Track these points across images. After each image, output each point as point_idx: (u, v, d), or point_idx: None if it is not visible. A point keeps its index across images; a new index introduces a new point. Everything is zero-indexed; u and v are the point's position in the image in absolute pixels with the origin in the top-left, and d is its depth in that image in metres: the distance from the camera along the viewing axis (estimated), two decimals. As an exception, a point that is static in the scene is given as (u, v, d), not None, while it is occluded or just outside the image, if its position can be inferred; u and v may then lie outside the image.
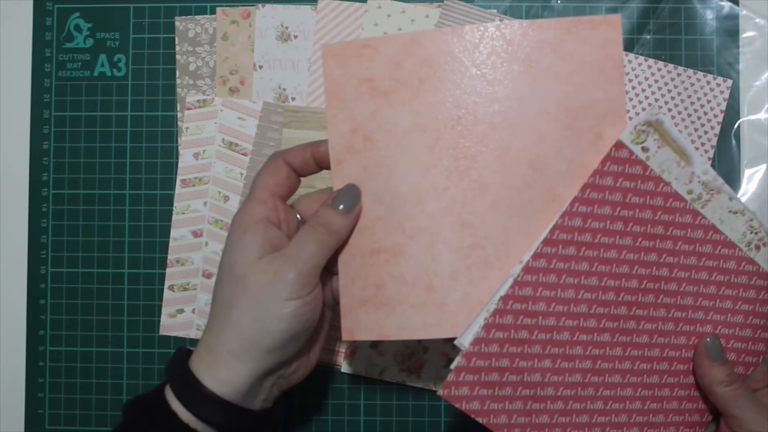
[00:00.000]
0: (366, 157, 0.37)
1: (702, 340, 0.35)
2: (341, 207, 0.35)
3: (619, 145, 0.34)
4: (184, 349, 0.37)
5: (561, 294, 0.34)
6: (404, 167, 0.36)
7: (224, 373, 0.34)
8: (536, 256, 0.34)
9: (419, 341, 0.47)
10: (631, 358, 0.35)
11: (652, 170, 0.34)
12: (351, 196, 0.36)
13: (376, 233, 0.37)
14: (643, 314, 0.35)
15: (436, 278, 0.36)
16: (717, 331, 0.35)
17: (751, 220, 0.35)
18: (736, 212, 0.35)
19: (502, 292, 0.34)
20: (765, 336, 0.36)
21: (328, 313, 0.39)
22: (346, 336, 0.37)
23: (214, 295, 0.36)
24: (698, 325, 0.35)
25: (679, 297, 0.35)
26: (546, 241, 0.34)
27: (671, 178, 0.34)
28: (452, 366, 0.33)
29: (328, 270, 0.37)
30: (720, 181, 0.35)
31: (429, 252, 0.36)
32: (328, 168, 0.37)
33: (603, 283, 0.34)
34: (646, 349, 0.35)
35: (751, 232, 0.36)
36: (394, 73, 0.36)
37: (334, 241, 0.35)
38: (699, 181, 0.35)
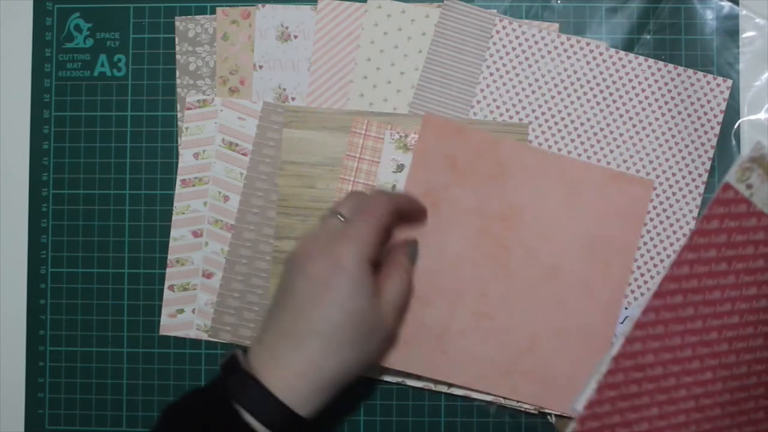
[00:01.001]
0: (429, 216, 0.45)
1: None
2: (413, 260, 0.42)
3: (726, 186, 0.34)
4: (247, 373, 0.36)
5: (668, 343, 0.35)
6: (455, 237, 0.45)
7: (316, 401, 0.36)
8: (646, 310, 0.34)
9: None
10: (730, 389, 0.35)
11: (754, 206, 0.34)
12: (415, 252, 0.43)
13: (416, 281, 0.44)
14: (742, 347, 0.35)
15: (448, 330, 0.45)
16: None
17: None
18: None
19: (614, 352, 0.35)
20: None
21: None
22: None
23: (311, 317, 0.36)
24: None
25: None
26: (656, 294, 0.34)
27: None
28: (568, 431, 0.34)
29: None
30: None
31: (450, 309, 0.45)
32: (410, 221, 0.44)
33: (706, 325, 0.35)
34: (744, 378, 0.35)
35: None
36: (474, 160, 0.45)
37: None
38: None
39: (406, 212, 0.42)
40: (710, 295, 0.34)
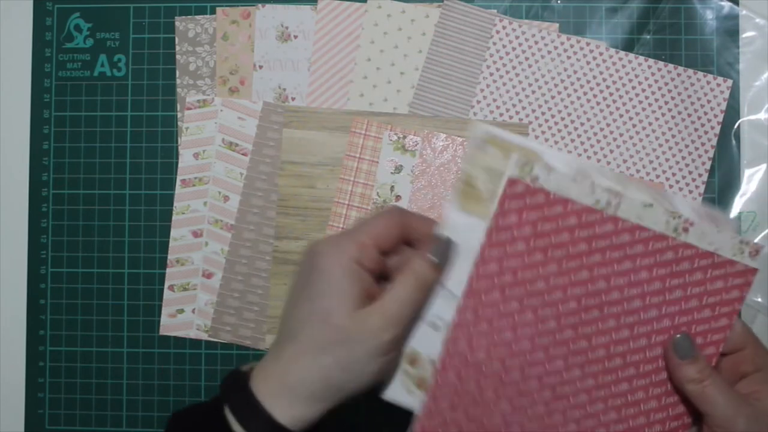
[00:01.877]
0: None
1: (671, 339, 0.35)
2: (436, 260, 0.35)
3: (511, 182, 0.34)
4: (240, 372, 0.36)
5: (498, 338, 0.34)
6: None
7: (301, 412, 0.34)
8: (460, 310, 0.34)
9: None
10: (593, 374, 0.35)
11: (554, 194, 0.34)
12: (449, 252, 0.35)
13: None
14: (591, 331, 0.35)
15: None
16: (675, 322, 0.35)
17: (668, 206, 0.34)
18: (649, 205, 0.34)
19: (435, 356, 0.34)
20: (725, 310, 0.35)
21: None
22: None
23: (294, 329, 0.34)
24: (654, 323, 0.35)
25: (625, 303, 0.35)
26: (466, 294, 0.34)
27: (574, 195, 0.34)
28: None
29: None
30: (620, 178, 0.34)
31: None
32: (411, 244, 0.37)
33: (540, 314, 0.34)
34: (606, 361, 0.35)
35: (673, 218, 0.35)
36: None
37: (427, 297, 0.35)
38: (602, 189, 0.34)
39: (418, 229, 0.37)
40: (533, 286, 0.34)
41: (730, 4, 0.47)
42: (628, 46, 0.48)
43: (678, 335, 0.35)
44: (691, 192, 0.46)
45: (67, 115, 0.49)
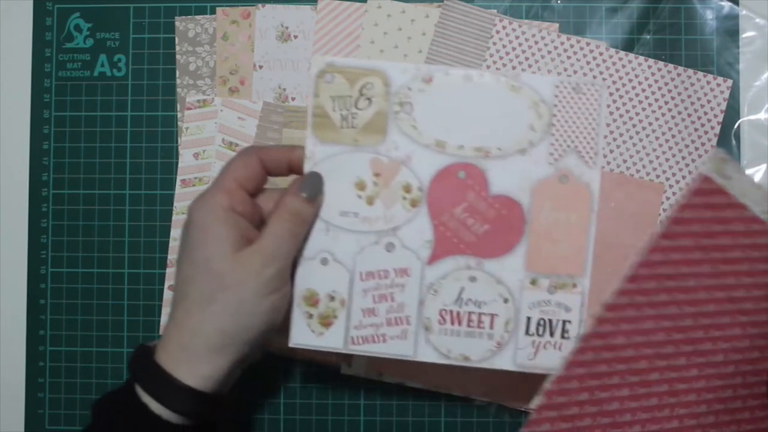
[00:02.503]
0: None
1: None
2: (305, 194, 0.36)
3: (704, 178, 0.34)
4: (145, 346, 0.36)
5: (640, 326, 0.35)
6: None
7: (203, 369, 0.34)
8: (619, 293, 0.35)
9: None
10: (707, 376, 0.36)
11: (733, 197, 0.35)
12: (317, 184, 0.37)
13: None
14: (718, 335, 0.35)
15: None
16: None
17: None
18: None
19: (582, 330, 0.35)
20: None
21: None
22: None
23: (183, 290, 0.35)
24: None
25: (754, 314, 0.36)
26: (630, 278, 0.35)
27: (749, 202, 0.35)
28: (533, 405, 0.34)
29: None
30: None
31: None
32: (300, 173, 0.38)
33: (681, 311, 0.35)
34: (721, 366, 0.36)
35: None
36: None
37: (304, 230, 0.37)
38: None
39: (283, 163, 0.38)
40: (684, 282, 0.35)
41: (730, 4, 0.47)
42: (628, 46, 0.48)
43: None
44: (691, 192, 0.46)
45: (67, 115, 0.49)
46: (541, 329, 0.38)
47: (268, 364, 0.47)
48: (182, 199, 0.48)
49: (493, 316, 0.38)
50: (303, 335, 0.38)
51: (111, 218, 0.49)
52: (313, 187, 0.37)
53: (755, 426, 0.37)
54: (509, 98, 0.38)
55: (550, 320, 0.38)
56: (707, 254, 0.35)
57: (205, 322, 0.34)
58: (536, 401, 0.35)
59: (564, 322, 0.38)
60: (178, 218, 0.48)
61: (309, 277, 0.38)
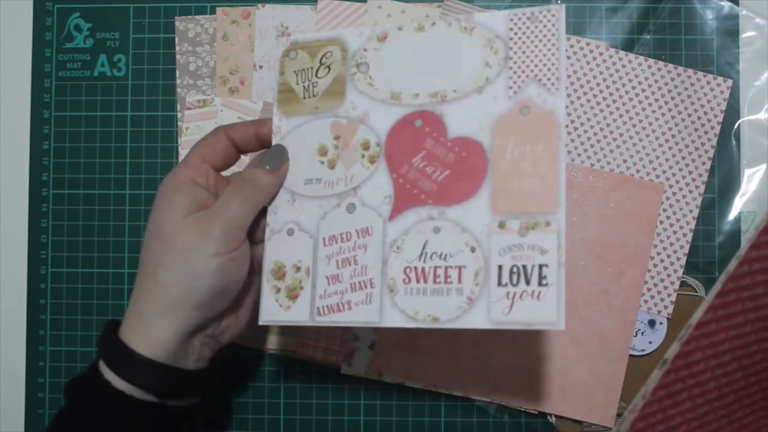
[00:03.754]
0: None
1: None
2: (267, 166, 0.36)
3: None
4: (111, 322, 0.36)
5: (718, 348, 0.34)
6: None
7: (153, 335, 0.34)
8: (708, 309, 0.33)
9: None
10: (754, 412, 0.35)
11: None
12: (278, 156, 0.37)
13: None
14: None
15: (462, 341, 0.44)
16: None
17: None
18: None
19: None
20: None
21: (256, 278, 0.38)
22: None
23: (140, 259, 0.35)
24: None
25: None
26: (718, 294, 0.33)
27: None
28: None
29: (252, 239, 0.37)
30: None
31: None
32: (269, 147, 0.38)
33: (758, 336, 0.34)
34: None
35: None
36: None
37: (260, 198, 0.36)
38: None
39: (251, 137, 0.38)
40: (762, 301, 0.33)
41: (730, 4, 0.47)
42: (628, 46, 0.47)
43: None
44: (691, 192, 0.46)
45: (67, 115, 0.49)
46: (515, 278, 0.33)
47: (269, 364, 0.47)
48: (182, 199, 0.48)
49: (460, 268, 0.34)
50: (271, 311, 0.37)
51: (111, 218, 0.49)
52: (275, 159, 0.37)
53: None
54: (463, 40, 0.36)
55: (525, 266, 0.33)
56: None
57: (153, 286, 0.34)
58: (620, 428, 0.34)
59: (540, 266, 0.33)
60: (178, 218, 0.48)
61: (277, 250, 0.37)
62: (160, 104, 0.49)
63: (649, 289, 0.46)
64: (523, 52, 0.35)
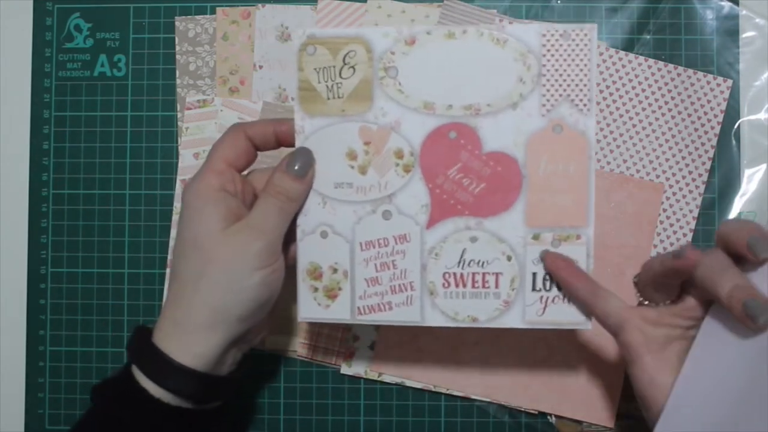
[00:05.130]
0: None
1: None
2: (296, 168, 0.36)
3: None
4: (142, 327, 0.36)
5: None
6: None
7: (196, 346, 0.34)
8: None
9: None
10: None
11: None
12: (305, 159, 0.36)
13: None
14: None
15: (463, 342, 0.40)
16: None
17: None
18: None
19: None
20: None
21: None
22: None
23: (176, 269, 0.35)
24: None
25: None
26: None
27: None
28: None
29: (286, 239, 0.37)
30: None
31: None
32: (289, 146, 0.38)
33: None
34: None
35: None
36: None
37: (294, 207, 0.36)
38: None
39: (270, 136, 0.38)
40: None
41: (730, 4, 0.47)
42: (628, 46, 0.47)
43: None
44: (691, 192, 0.46)
45: (67, 115, 0.49)
46: (547, 284, 0.37)
47: (268, 364, 0.47)
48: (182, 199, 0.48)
49: (497, 274, 0.37)
50: (310, 309, 0.38)
51: (111, 218, 0.49)
52: (303, 163, 0.36)
53: None
54: (495, 52, 0.36)
55: None
56: None
57: (196, 298, 0.34)
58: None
59: None
60: (178, 218, 0.48)
61: (310, 251, 0.38)
62: (160, 104, 0.49)
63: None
64: (556, 70, 0.36)
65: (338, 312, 0.38)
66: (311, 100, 0.37)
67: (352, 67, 0.37)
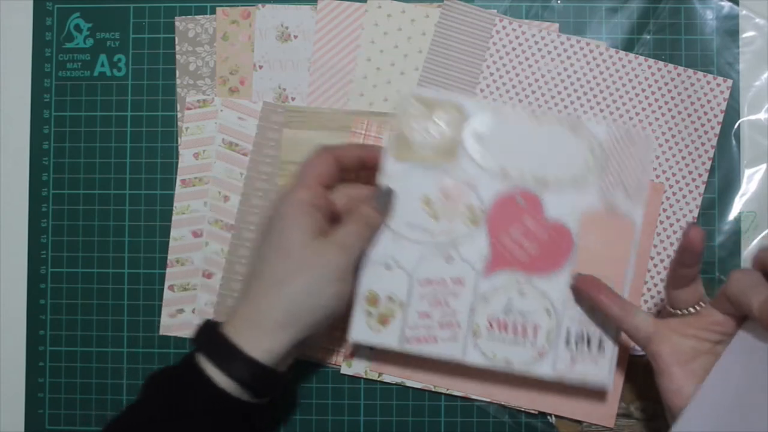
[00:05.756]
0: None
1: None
2: (380, 206, 0.41)
3: None
4: (210, 321, 0.39)
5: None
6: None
7: (268, 343, 0.37)
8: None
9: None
10: None
11: None
12: (388, 199, 0.41)
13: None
14: None
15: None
16: None
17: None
18: None
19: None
20: None
21: None
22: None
23: (259, 269, 0.39)
24: None
25: None
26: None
27: None
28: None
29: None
30: None
31: None
32: (370, 170, 0.42)
33: None
34: None
35: None
36: None
37: (373, 235, 0.41)
38: None
39: (355, 160, 0.42)
40: None
41: (730, 4, 0.47)
42: (628, 46, 0.47)
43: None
44: (691, 192, 0.46)
45: (67, 115, 0.49)
46: (579, 342, 0.41)
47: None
48: (182, 199, 0.48)
49: (536, 326, 0.41)
50: (361, 331, 0.42)
51: (111, 218, 0.49)
52: (386, 203, 0.41)
53: None
54: (569, 138, 0.42)
55: (589, 334, 0.41)
56: None
57: (278, 301, 0.37)
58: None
59: (601, 338, 0.41)
60: (178, 218, 0.48)
61: (373, 279, 0.41)
62: (160, 104, 0.49)
63: (649, 289, 0.46)
64: (617, 162, 0.41)
65: (387, 338, 0.42)
66: (402, 146, 0.42)
67: (445, 126, 0.42)
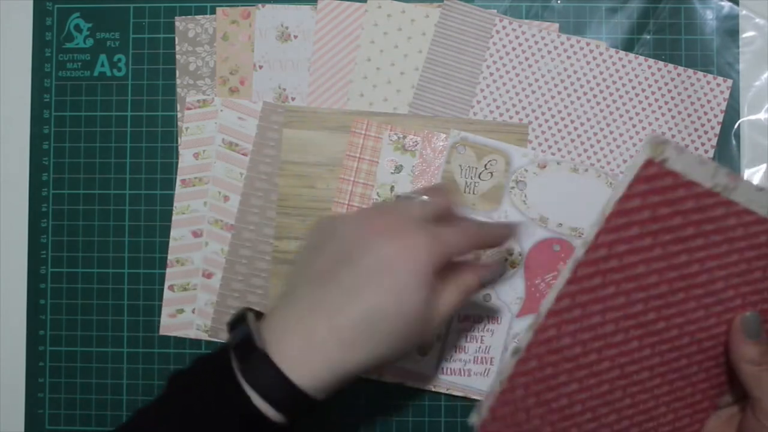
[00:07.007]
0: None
1: (740, 315, 0.35)
2: (486, 280, 0.38)
3: (648, 163, 0.31)
4: (250, 332, 0.33)
5: (586, 323, 0.34)
6: None
7: (332, 387, 0.33)
8: (560, 297, 0.33)
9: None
10: (660, 352, 0.35)
11: (682, 177, 0.32)
12: (498, 275, 0.39)
13: None
14: (672, 312, 0.34)
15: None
16: (745, 301, 0.35)
17: None
18: (761, 189, 0.34)
19: (522, 344, 0.33)
20: None
21: None
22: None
23: (358, 303, 0.33)
24: (728, 302, 0.35)
25: (709, 285, 0.34)
26: (569, 281, 0.33)
27: (698, 178, 0.33)
28: (474, 422, 0.33)
29: None
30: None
31: None
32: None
33: (630, 299, 0.34)
34: (675, 340, 0.35)
35: None
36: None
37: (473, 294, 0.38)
38: (723, 173, 0.33)
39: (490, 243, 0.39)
40: (633, 271, 0.33)
41: (730, 4, 0.47)
42: (628, 46, 0.48)
43: (748, 313, 0.35)
44: (691, 192, 0.46)
45: (67, 115, 0.49)
46: None
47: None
48: (182, 199, 0.48)
49: None
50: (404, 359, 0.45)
51: (111, 218, 0.49)
52: (495, 277, 0.39)
53: (709, 383, 0.37)
54: (606, 192, 0.45)
55: None
56: (656, 239, 0.33)
57: (373, 358, 0.33)
58: (475, 419, 0.34)
59: None
60: (178, 218, 0.48)
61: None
62: (160, 104, 0.49)
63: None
64: None
65: (425, 367, 0.45)
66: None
67: (491, 172, 0.45)
